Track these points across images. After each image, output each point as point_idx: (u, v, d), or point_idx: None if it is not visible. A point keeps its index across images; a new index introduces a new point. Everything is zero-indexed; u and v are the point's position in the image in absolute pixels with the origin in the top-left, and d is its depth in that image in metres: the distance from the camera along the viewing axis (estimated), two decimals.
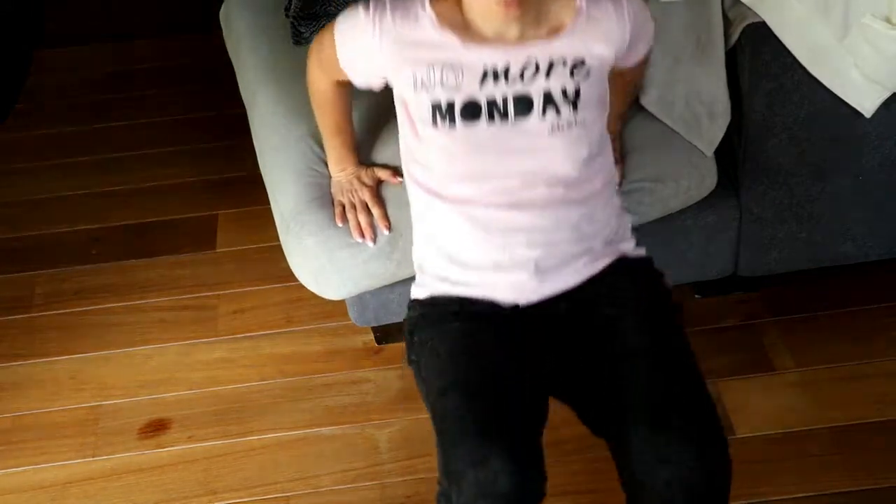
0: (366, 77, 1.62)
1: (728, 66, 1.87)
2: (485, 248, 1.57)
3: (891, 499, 1.87)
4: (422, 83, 1.52)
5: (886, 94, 1.81)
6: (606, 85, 1.59)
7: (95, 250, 2.53)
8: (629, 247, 1.65)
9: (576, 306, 1.59)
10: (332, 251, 1.80)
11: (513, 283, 1.57)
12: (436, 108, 1.52)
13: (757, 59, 1.84)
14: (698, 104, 1.89)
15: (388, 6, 1.54)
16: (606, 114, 1.61)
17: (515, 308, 1.59)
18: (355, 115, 1.83)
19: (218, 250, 2.51)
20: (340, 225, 1.80)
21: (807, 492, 1.88)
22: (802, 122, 1.89)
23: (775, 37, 1.80)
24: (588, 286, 1.60)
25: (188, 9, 3.34)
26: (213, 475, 2.00)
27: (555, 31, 1.52)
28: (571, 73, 1.52)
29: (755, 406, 2.03)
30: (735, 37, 1.85)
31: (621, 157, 1.88)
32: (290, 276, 1.91)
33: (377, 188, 1.83)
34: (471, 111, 1.52)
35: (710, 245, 2.05)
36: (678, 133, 1.91)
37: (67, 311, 2.37)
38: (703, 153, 1.91)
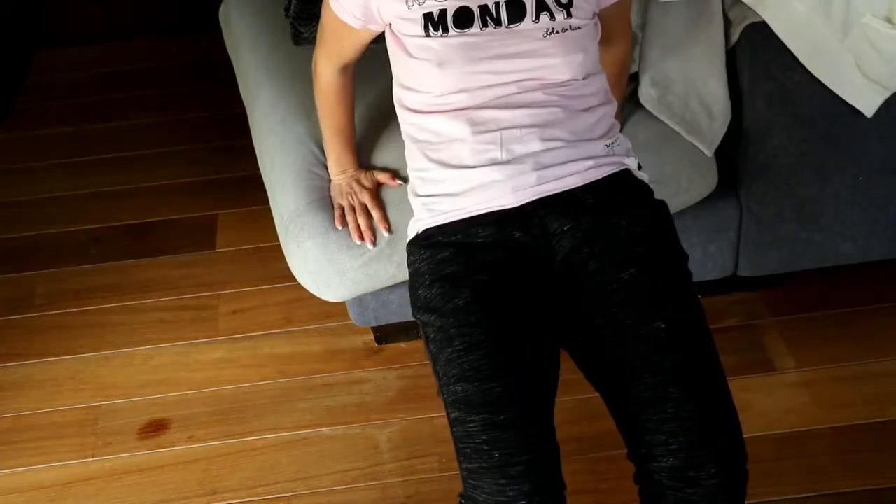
0: (362, 11, 1.57)
1: (728, 66, 1.88)
2: (481, 146, 1.53)
3: (891, 499, 1.87)
4: None
5: (887, 94, 1.81)
6: (597, 13, 1.57)
7: (95, 250, 2.53)
8: (633, 163, 1.61)
9: (583, 244, 1.52)
10: (332, 253, 1.80)
11: (511, 178, 1.52)
12: (428, 18, 1.50)
13: (757, 60, 1.84)
14: (699, 104, 1.89)
15: None
16: (597, 43, 1.59)
17: (518, 215, 1.52)
18: (355, 117, 1.83)
19: (218, 250, 2.51)
20: (340, 227, 1.80)
21: (807, 492, 1.88)
22: (802, 122, 1.89)
23: (775, 37, 1.80)
24: (593, 210, 1.53)
25: (187, 9, 3.34)
26: (213, 475, 2.00)
27: None
28: None
29: (755, 406, 2.03)
30: (735, 37, 1.85)
31: None
32: (290, 276, 1.91)
33: (377, 190, 1.83)
34: (463, 18, 1.50)
35: (710, 245, 2.05)
36: (678, 133, 1.91)
37: (67, 311, 2.37)
38: (703, 153, 1.91)
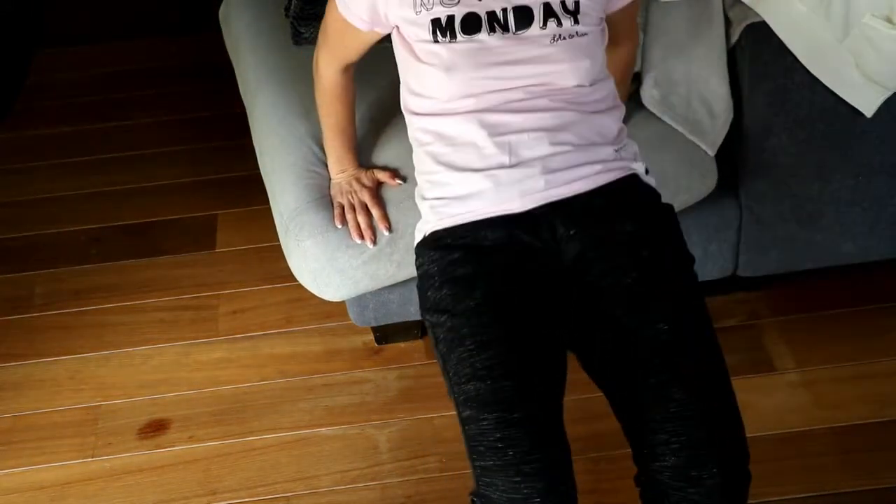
0: (369, 14, 1.58)
1: (728, 66, 1.88)
2: (489, 150, 1.53)
3: (891, 499, 1.87)
4: (422, 2, 1.51)
5: (887, 94, 1.81)
6: (604, 17, 1.58)
7: (95, 250, 2.53)
8: (640, 168, 1.62)
9: (589, 248, 1.52)
10: (332, 252, 1.80)
11: (519, 183, 1.52)
12: (436, 23, 1.51)
13: (757, 60, 1.84)
14: (701, 104, 1.89)
15: None
16: (604, 49, 1.59)
17: (527, 218, 1.53)
18: (355, 116, 1.83)
19: (218, 250, 2.51)
20: (340, 226, 1.80)
21: (807, 492, 1.88)
22: (802, 122, 1.89)
23: (775, 37, 1.80)
24: (600, 215, 1.54)
25: (187, 9, 3.34)
26: (213, 475, 2.00)
27: None
28: None
29: (755, 406, 2.03)
30: (735, 37, 1.85)
31: None
32: (290, 276, 1.91)
33: (377, 189, 1.83)
34: (471, 24, 1.51)
35: (710, 245, 2.05)
36: (678, 133, 1.91)
37: (67, 311, 2.37)
38: (703, 153, 1.91)
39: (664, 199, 1.91)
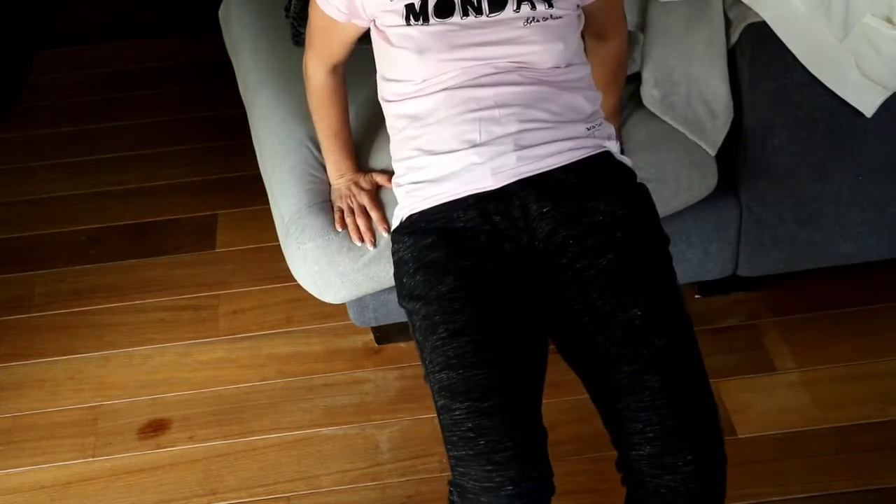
0: (347, 5, 1.59)
1: (728, 66, 1.88)
2: (459, 128, 1.53)
3: (891, 499, 1.87)
4: None
5: (887, 94, 1.81)
6: (580, 5, 1.58)
7: (95, 250, 2.53)
8: (614, 147, 1.61)
9: (562, 225, 1.52)
10: (332, 255, 1.80)
11: (490, 160, 1.52)
12: (409, 8, 1.52)
13: (757, 59, 1.84)
14: (701, 103, 1.89)
15: None
16: (579, 35, 1.59)
17: (498, 197, 1.52)
18: (350, 121, 1.83)
19: (218, 250, 2.51)
20: (340, 230, 1.80)
21: (807, 492, 1.88)
22: (802, 122, 1.89)
23: (775, 37, 1.80)
24: (573, 192, 1.53)
25: (187, 9, 3.34)
26: (213, 475, 2.00)
27: None
28: None
29: (755, 406, 2.03)
30: (735, 37, 1.85)
31: None
32: (290, 276, 1.91)
33: (376, 192, 1.83)
34: (444, 7, 1.51)
35: (710, 245, 2.05)
36: (678, 133, 1.91)
37: (67, 311, 2.37)
38: (703, 153, 1.91)
39: (664, 199, 1.91)
